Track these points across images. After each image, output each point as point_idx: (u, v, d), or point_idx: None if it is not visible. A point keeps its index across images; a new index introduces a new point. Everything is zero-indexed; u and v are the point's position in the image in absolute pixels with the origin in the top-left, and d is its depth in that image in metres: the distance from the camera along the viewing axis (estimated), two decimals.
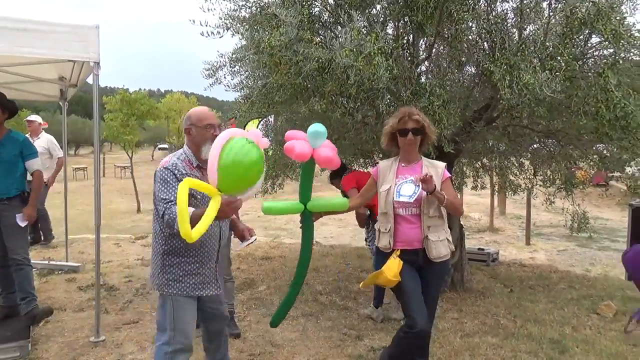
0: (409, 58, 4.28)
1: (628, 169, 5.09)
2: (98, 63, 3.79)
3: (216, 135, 2.50)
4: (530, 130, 4.75)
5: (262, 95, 4.24)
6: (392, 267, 2.86)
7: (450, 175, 3.00)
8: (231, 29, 3.70)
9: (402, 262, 2.88)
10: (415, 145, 2.94)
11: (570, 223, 5.70)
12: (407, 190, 2.79)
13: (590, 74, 3.98)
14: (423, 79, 4.66)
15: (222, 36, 3.63)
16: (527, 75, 3.53)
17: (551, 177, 5.44)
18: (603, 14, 3.62)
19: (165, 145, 44.73)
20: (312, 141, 2.64)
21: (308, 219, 2.96)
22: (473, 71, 4.87)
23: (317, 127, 2.63)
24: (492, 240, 9.83)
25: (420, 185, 2.78)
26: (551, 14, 4.18)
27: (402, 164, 3.00)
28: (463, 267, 5.28)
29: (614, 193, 12.66)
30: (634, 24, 3.90)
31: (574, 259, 8.44)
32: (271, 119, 6.09)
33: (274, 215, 3.05)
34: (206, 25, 3.48)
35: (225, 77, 4.51)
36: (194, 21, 3.38)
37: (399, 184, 2.85)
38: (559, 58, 3.72)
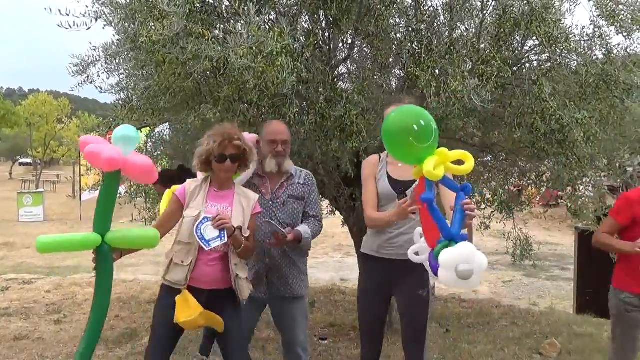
0: (324, 59, 4.40)
1: (581, 189, 5.48)
2: None
3: (279, 151, 3.33)
4: (464, 144, 5.02)
5: (145, 99, 4.18)
6: None
7: (261, 210, 3.19)
8: (102, 18, 3.64)
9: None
10: (233, 172, 3.09)
11: (513, 250, 6.06)
12: (211, 233, 2.84)
13: (525, 81, 4.30)
14: (341, 83, 4.84)
15: (89, 28, 3.56)
16: (455, 82, 3.75)
17: (490, 197, 5.76)
18: (537, 14, 3.94)
19: (28, 160, 42.44)
20: (121, 148, 2.54)
21: (106, 256, 2.71)
22: (401, 74, 5.11)
23: (127, 131, 2.55)
24: None
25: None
26: (484, 12, 4.46)
27: (214, 189, 3.11)
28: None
29: (566, 215, 13.63)
30: (570, 27, 4.29)
31: (520, 290, 8.97)
32: (165, 128, 6.02)
33: (54, 252, 2.83)
34: (67, 15, 3.39)
35: (99, 76, 4.41)
36: (50, 10, 3.28)
37: (199, 222, 2.87)
38: (492, 62, 3.99)
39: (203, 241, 2.82)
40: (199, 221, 2.86)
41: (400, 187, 3.13)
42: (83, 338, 2.82)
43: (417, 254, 2.65)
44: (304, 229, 3.33)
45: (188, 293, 2.93)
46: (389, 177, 3.19)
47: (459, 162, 2.52)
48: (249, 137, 3.39)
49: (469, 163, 2.51)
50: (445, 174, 2.50)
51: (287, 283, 3.37)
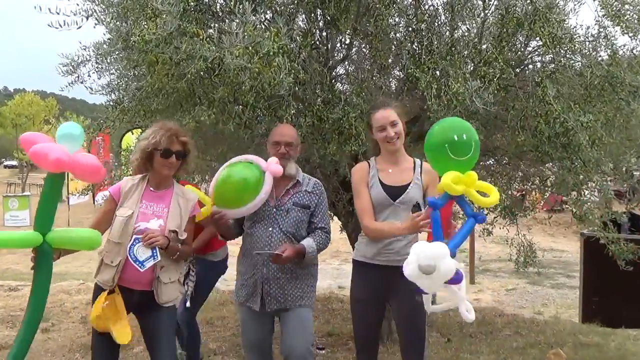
0: (321, 59, 4.44)
1: (586, 193, 5.53)
2: None
3: (282, 153, 3.31)
4: None
5: (137, 101, 4.21)
6: None
7: (199, 212, 3.26)
8: (93, 16, 3.66)
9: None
10: (174, 171, 3.13)
11: (516, 257, 6.09)
12: (143, 253, 2.88)
13: (528, 83, 4.34)
14: (339, 85, 4.87)
15: (79, 27, 3.58)
16: (457, 83, 3.78)
17: None
18: (540, 14, 3.97)
19: (14, 162, 42.37)
20: (66, 147, 2.61)
21: (46, 256, 2.73)
22: (401, 76, 5.14)
23: (71, 129, 2.60)
24: None
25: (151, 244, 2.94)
26: (486, 12, 4.49)
27: (151, 188, 3.15)
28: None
29: (571, 221, 13.68)
30: (575, 27, 4.33)
31: (524, 299, 8.99)
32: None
33: None
34: (58, 13, 3.42)
35: (89, 76, 4.43)
36: (40, 8, 3.30)
37: (131, 244, 2.91)
38: (495, 63, 4.02)
39: (137, 263, 2.85)
40: (130, 242, 2.89)
41: (394, 192, 3.17)
42: (16, 339, 2.82)
43: None
44: (308, 242, 3.28)
45: (105, 295, 2.97)
46: (381, 183, 3.22)
47: (484, 195, 2.58)
48: (275, 168, 3.24)
49: (494, 197, 2.58)
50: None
51: (285, 294, 3.30)
